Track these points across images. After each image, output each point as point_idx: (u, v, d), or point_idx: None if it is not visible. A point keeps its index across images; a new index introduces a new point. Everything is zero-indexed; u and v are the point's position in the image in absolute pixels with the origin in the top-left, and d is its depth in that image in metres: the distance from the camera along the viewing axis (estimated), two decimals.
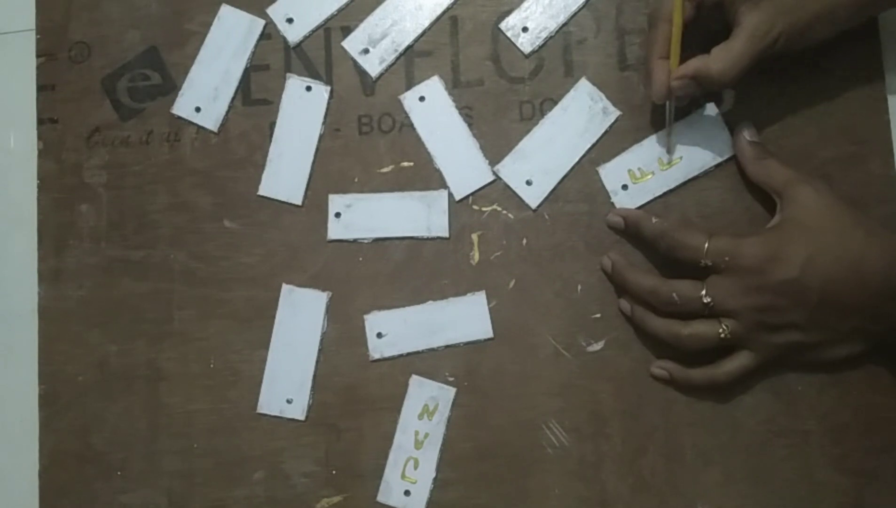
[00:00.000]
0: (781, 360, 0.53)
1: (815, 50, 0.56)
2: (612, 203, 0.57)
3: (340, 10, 0.60)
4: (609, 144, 0.58)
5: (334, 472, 0.57)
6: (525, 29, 0.59)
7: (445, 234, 0.58)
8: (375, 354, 0.58)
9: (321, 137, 0.59)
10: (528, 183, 0.58)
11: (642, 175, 0.57)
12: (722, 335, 0.52)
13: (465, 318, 0.57)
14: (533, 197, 0.58)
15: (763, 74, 0.56)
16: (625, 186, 0.57)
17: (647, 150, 0.57)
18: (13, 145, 0.61)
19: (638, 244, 0.57)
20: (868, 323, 0.51)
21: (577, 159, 0.58)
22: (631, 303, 0.55)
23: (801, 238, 0.51)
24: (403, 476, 0.56)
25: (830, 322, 0.51)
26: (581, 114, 0.58)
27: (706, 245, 0.52)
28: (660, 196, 0.57)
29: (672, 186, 0.57)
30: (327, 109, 0.59)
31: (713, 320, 0.52)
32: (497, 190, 0.58)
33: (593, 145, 0.58)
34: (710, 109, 0.57)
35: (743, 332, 0.52)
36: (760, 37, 0.51)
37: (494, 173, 0.58)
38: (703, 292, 0.52)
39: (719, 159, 0.56)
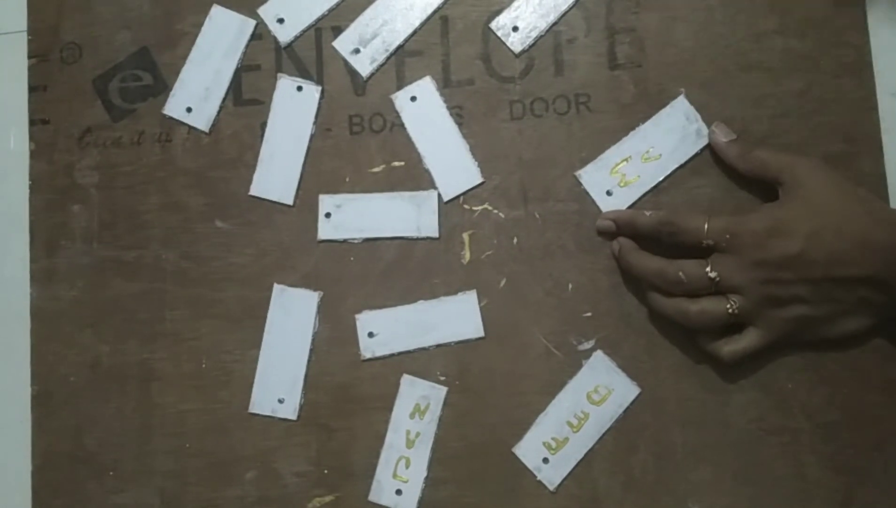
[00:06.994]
0: (790, 338, 0.53)
1: (806, 49, 0.56)
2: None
3: (331, 11, 0.60)
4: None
5: (326, 471, 0.57)
6: (515, 28, 0.59)
7: (435, 234, 0.58)
8: (367, 353, 0.58)
9: (312, 137, 0.59)
10: (609, 194, 0.57)
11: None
12: (730, 311, 0.52)
13: (456, 317, 0.57)
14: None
15: (752, 72, 0.56)
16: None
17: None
18: (13, 146, 0.61)
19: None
20: (874, 294, 0.52)
21: (661, 178, 0.57)
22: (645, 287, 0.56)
23: (803, 213, 0.51)
24: (395, 475, 0.57)
25: (836, 295, 0.52)
26: (674, 133, 0.57)
27: (706, 225, 0.52)
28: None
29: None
30: (318, 109, 0.59)
31: (721, 296, 0.52)
32: (488, 189, 0.58)
33: (680, 166, 0.57)
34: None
35: (751, 307, 0.52)
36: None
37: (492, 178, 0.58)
38: (709, 268, 0.52)
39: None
